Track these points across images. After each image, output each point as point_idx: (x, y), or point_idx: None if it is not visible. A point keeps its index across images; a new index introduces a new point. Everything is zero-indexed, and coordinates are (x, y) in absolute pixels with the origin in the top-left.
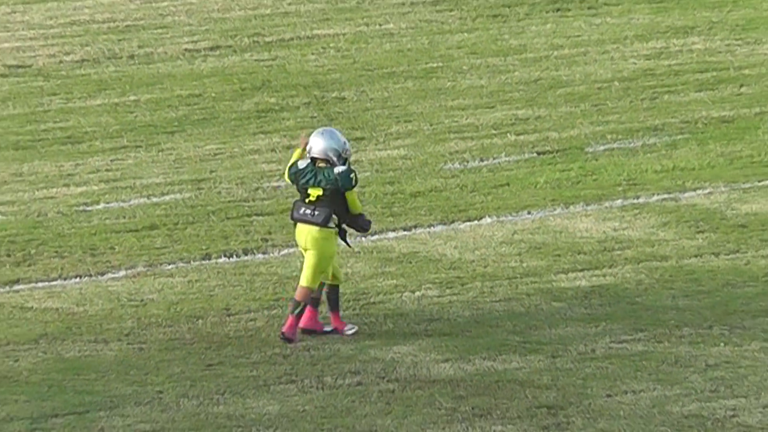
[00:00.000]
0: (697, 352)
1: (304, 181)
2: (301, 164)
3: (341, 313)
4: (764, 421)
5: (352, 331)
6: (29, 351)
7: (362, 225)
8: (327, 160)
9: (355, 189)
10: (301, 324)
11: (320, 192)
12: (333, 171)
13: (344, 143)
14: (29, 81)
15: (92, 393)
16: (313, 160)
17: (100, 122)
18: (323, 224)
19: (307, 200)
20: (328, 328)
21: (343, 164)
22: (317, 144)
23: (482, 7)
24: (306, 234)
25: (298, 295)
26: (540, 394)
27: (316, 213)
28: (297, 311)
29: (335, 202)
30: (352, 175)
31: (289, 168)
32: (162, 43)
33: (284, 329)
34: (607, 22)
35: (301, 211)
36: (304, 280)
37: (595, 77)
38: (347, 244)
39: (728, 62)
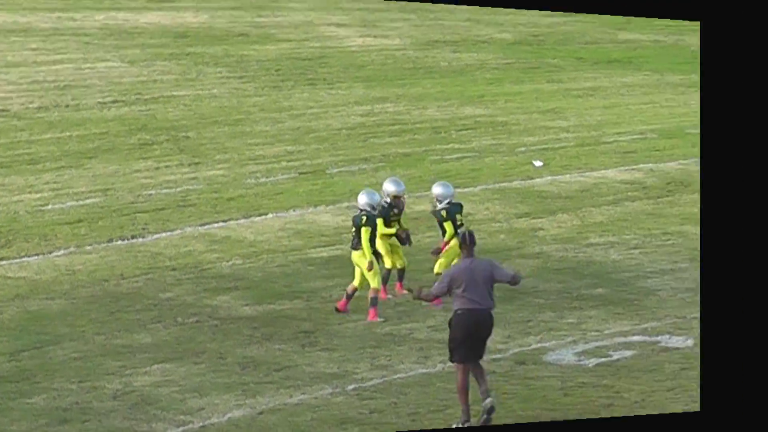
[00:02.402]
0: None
1: None
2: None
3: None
4: (428, 336)
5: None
6: (9, 306)
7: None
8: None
9: (368, 228)
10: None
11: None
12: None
13: (377, 199)
14: (8, 121)
15: (45, 333)
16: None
17: (49, 150)
18: (351, 247)
19: None
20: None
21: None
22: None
23: (268, 81)
24: None
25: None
26: (301, 324)
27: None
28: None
29: (359, 234)
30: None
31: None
32: (85, 98)
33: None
34: (339, 93)
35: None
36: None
37: (332, 127)
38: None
39: (407, 119)
